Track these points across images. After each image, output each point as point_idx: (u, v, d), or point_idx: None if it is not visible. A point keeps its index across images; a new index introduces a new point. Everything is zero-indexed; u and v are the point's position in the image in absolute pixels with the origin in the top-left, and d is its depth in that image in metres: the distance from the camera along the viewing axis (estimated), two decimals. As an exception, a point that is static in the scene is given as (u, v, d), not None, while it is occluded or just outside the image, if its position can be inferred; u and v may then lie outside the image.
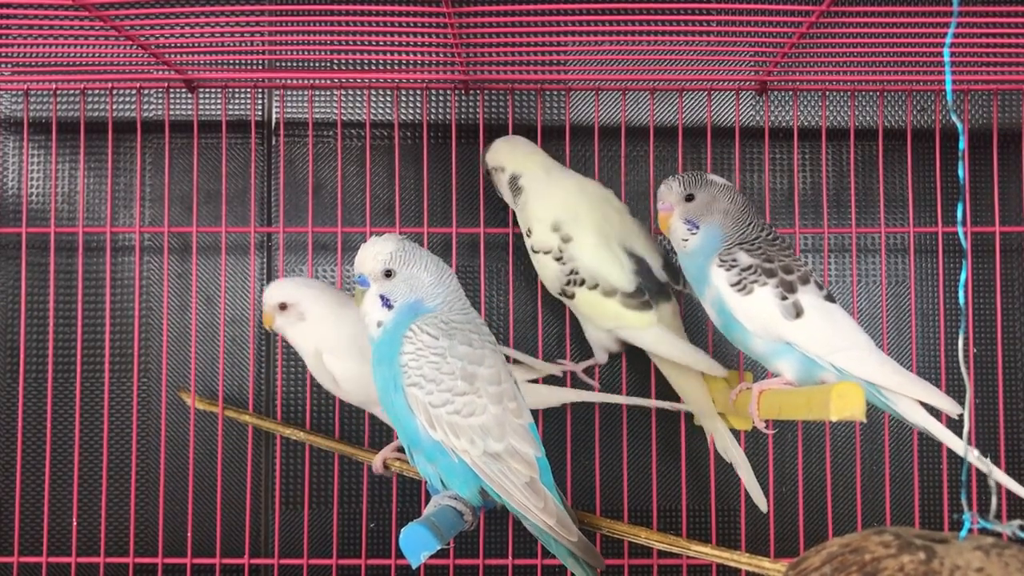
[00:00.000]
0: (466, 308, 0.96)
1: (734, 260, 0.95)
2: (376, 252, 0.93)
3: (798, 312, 0.93)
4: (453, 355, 0.90)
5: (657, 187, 1.01)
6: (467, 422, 0.89)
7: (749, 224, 0.98)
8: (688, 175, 1.01)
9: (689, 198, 0.99)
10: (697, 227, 0.99)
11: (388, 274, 0.92)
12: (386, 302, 0.93)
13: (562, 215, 1.07)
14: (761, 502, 1.09)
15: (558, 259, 1.06)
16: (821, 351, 0.92)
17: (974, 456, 0.55)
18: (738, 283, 0.94)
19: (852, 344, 0.93)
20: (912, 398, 0.92)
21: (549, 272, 1.08)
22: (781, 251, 0.96)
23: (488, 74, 1.14)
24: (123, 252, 1.23)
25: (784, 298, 0.93)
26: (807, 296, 0.93)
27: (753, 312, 0.94)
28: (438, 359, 0.90)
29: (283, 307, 1.06)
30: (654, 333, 1.06)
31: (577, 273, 1.06)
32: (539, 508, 0.90)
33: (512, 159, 1.11)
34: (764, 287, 0.94)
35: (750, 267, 0.94)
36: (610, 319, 1.07)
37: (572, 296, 1.07)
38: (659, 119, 1.23)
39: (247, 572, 1.17)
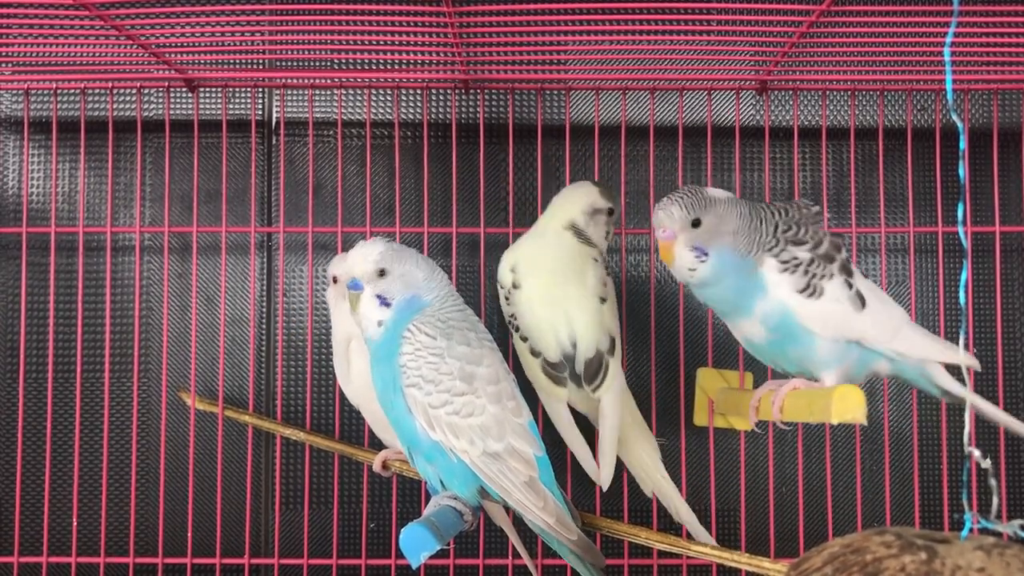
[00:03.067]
0: (461, 306, 0.96)
1: (796, 259, 0.85)
2: (366, 254, 0.93)
3: (863, 301, 0.87)
4: (451, 355, 0.90)
5: (657, 187, 0.99)
6: (466, 422, 0.89)
7: (756, 227, 0.89)
8: (689, 196, 0.89)
9: (696, 223, 0.87)
10: (707, 254, 0.88)
11: (382, 273, 0.92)
12: (383, 301, 0.93)
13: (523, 263, 1.05)
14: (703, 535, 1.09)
15: (506, 298, 1.06)
16: (885, 337, 0.87)
17: (977, 456, 0.55)
18: (806, 287, 0.85)
19: (901, 321, 0.88)
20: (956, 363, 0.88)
21: (501, 305, 1.08)
22: (811, 225, 0.89)
23: (488, 74, 1.14)
24: (123, 252, 1.23)
25: (849, 286, 0.86)
26: (858, 278, 0.88)
27: (827, 315, 0.85)
28: (436, 359, 0.90)
29: (335, 280, 1.07)
30: (555, 409, 1.06)
31: (515, 319, 1.05)
32: (538, 507, 0.90)
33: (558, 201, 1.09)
34: (832, 281, 0.86)
35: (812, 261, 0.86)
36: (530, 374, 1.06)
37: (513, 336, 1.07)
38: (659, 119, 1.23)
39: (247, 572, 1.17)
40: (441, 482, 0.94)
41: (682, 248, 0.88)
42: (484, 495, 0.93)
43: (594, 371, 1.03)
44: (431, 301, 0.93)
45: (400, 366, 0.90)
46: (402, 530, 0.88)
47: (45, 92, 1.21)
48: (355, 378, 1.06)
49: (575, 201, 1.07)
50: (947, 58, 0.53)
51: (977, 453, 0.56)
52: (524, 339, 1.05)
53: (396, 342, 0.91)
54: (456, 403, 0.89)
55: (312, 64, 1.21)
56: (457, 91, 1.23)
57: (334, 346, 1.09)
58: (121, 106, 1.23)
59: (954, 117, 0.58)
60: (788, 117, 1.24)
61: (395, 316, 0.92)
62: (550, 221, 1.08)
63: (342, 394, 1.15)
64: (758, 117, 1.24)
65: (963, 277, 0.53)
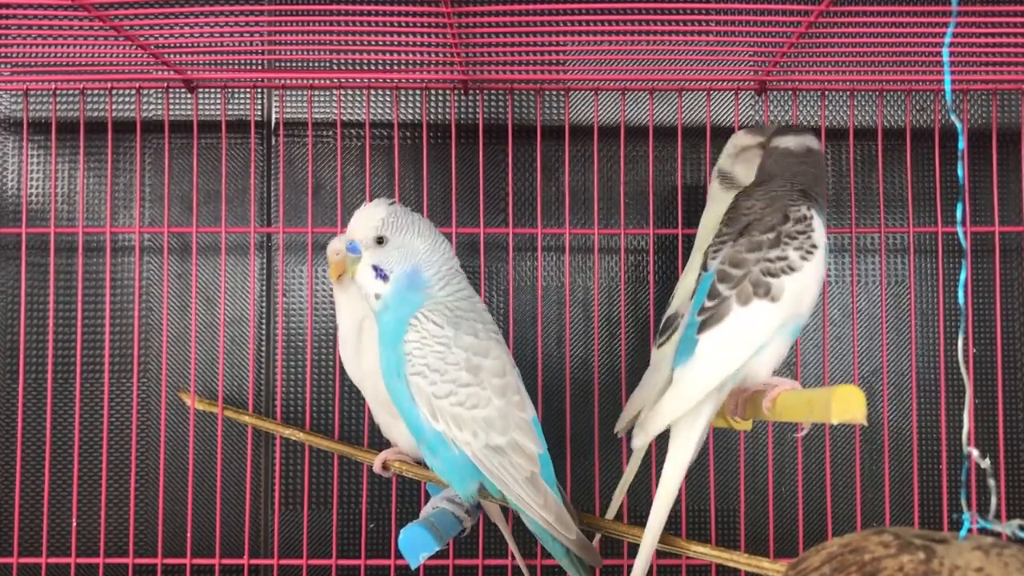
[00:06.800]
0: (469, 293, 0.94)
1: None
2: (368, 217, 0.90)
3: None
4: (458, 345, 0.89)
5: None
6: (470, 414, 0.88)
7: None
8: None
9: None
10: None
11: (380, 241, 0.90)
12: (380, 273, 0.90)
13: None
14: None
15: None
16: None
17: (976, 456, 0.55)
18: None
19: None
20: None
21: None
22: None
23: (488, 74, 1.14)
24: (123, 252, 1.23)
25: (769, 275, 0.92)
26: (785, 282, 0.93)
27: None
28: (443, 349, 0.89)
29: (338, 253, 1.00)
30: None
31: None
32: (539, 504, 0.89)
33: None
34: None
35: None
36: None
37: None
38: (659, 119, 1.23)
39: (247, 572, 1.17)
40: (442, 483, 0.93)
41: None
42: (483, 493, 0.93)
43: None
44: (430, 278, 0.91)
45: (405, 353, 0.89)
46: (401, 531, 0.88)
47: (44, 93, 1.21)
48: (365, 362, 1.03)
49: (724, 149, 1.09)
50: (946, 58, 0.53)
51: (976, 453, 0.56)
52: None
53: (402, 326, 0.90)
54: (461, 394, 0.88)
55: (311, 65, 1.21)
56: (456, 91, 1.23)
57: (341, 329, 1.06)
58: (120, 107, 1.23)
59: (953, 117, 0.58)
60: (787, 117, 1.24)
61: (395, 289, 0.90)
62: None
63: (342, 394, 1.15)
64: (757, 117, 1.24)
65: (962, 277, 0.53)
